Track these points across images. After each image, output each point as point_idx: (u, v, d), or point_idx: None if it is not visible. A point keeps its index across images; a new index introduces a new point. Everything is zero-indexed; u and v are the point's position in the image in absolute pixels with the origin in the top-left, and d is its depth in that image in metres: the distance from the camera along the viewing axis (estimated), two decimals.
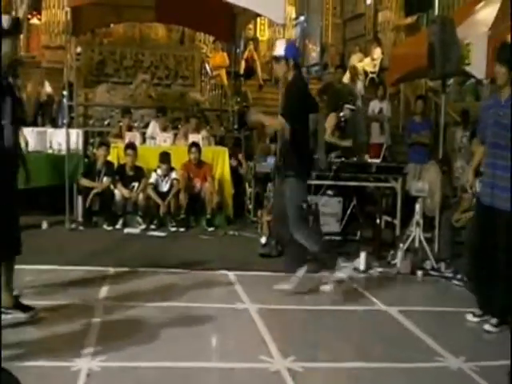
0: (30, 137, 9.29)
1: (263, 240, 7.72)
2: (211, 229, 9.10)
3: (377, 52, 15.49)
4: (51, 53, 15.74)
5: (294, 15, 19.98)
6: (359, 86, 12.73)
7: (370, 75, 14.42)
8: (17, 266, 5.98)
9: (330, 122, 9.09)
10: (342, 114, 9.10)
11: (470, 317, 5.41)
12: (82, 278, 6.13)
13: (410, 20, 15.61)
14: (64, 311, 5.14)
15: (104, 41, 15.55)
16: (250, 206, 10.06)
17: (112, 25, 14.90)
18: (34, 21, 18.76)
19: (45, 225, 8.62)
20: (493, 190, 5.07)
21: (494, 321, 5.11)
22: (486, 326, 5.11)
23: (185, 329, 4.89)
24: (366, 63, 15.06)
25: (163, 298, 5.61)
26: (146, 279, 6.20)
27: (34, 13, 18.09)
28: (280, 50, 5.80)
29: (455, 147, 10.37)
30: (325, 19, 20.35)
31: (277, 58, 5.83)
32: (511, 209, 4.87)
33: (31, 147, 9.31)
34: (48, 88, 12.65)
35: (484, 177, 5.28)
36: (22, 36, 18.45)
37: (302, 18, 21.48)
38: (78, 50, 13.46)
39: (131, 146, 9.40)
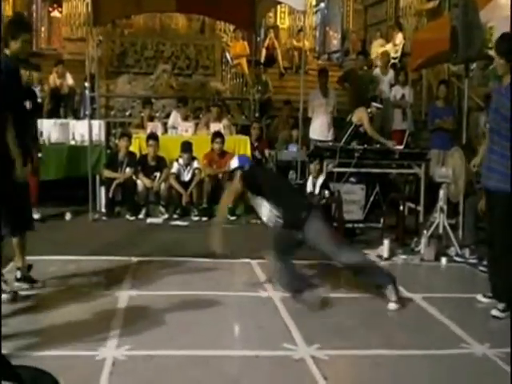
0: (52, 129, 9.37)
1: None
2: (233, 218, 9.09)
3: (399, 37, 15.36)
4: (72, 45, 15.82)
5: (314, 2, 19.87)
6: (391, 74, 12.56)
7: (392, 61, 14.27)
8: (42, 257, 6.14)
9: (365, 116, 9.00)
10: (369, 110, 9.02)
11: (479, 297, 5.46)
12: (105, 268, 6.16)
13: (431, 4, 15.44)
14: (88, 300, 5.15)
15: (125, 32, 15.58)
16: None
17: (132, 16, 14.95)
18: (55, 13, 18.87)
19: (68, 216, 8.68)
20: (487, 172, 5.21)
21: (501, 306, 5.09)
22: (493, 311, 5.09)
23: (208, 317, 4.90)
24: (388, 49, 14.91)
25: (186, 286, 5.63)
26: (168, 268, 6.21)
27: (55, 5, 18.19)
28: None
29: (479, 132, 10.25)
30: (346, 5, 20.22)
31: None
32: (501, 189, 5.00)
33: (54, 139, 9.39)
34: (70, 80, 12.69)
35: (484, 160, 5.47)
36: (43, 29, 18.69)
37: (322, 5, 21.38)
38: (99, 37, 13.49)
39: (153, 136, 9.41)
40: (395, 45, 15.25)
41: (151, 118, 10.73)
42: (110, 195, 9.05)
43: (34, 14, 18.94)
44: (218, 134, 9.57)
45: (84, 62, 12.35)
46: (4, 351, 3.53)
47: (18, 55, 5.09)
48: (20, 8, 17.27)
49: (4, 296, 4.99)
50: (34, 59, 11.35)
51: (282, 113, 12.69)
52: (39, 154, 7.91)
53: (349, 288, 5.80)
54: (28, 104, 7.86)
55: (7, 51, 5.05)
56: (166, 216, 8.98)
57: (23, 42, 5.06)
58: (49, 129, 9.39)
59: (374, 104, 9.06)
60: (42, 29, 19.50)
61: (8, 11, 16.48)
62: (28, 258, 5.48)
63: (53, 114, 11.84)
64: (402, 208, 7.81)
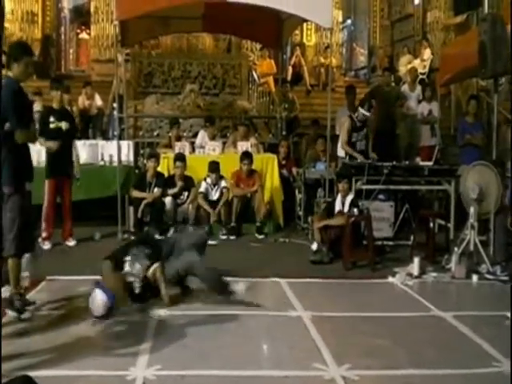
0: (81, 149, 9.45)
1: (314, 246, 7.66)
2: (261, 236, 9.08)
3: (426, 53, 15.28)
4: (101, 66, 16.01)
5: (340, 19, 19.89)
6: (418, 90, 12.50)
7: (420, 76, 14.20)
8: (71, 277, 6.17)
9: (345, 127, 9.00)
10: (355, 114, 9.00)
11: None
12: None
13: (459, 19, 15.38)
14: (117, 320, 5.17)
15: (152, 53, 15.73)
16: (301, 213, 9.99)
17: (160, 36, 15.09)
18: (84, 35, 19.16)
19: (97, 236, 8.73)
20: None
21: None
22: None
23: (237, 336, 4.88)
24: (416, 64, 14.85)
25: (216, 306, 5.60)
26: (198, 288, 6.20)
27: (83, 27, 18.46)
28: None
29: (508, 147, 10.14)
30: (372, 21, 20.21)
31: None
32: None
33: (83, 160, 9.48)
34: (99, 101, 12.83)
35: None
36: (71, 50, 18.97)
37: (348, 21, 21.43)
38: (126, 51, 13.57)
39: (180, 157, 9.42)
40: (423, 60, 15.17)
41: (179, 138, 10.75)
42: (139, 215, 9.09)
43: (63, 36, 19.27)
44: (246, 155, 9.54)
45: (112, 83, 12.53)
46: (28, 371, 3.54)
47: (19, 78, 5.18)
48: (49, 30, 17.57)
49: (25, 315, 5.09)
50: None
51: (309, 131, 12.66)
52: (77, 176, 8.09)
53: (377, 307, 5.76)
54: (64, 125, 8.04)
55: (10, 73, 5.16)
56: None
57: (25, 65, 5.16)
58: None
59: (361, 110, 9.01)
60: (71, 51, 19.83)
61: (37, 34, 16.81)
62: (58, 277, 5.51)
63: (82, 135, 11.97)
64: (431, 225, 7.74)
